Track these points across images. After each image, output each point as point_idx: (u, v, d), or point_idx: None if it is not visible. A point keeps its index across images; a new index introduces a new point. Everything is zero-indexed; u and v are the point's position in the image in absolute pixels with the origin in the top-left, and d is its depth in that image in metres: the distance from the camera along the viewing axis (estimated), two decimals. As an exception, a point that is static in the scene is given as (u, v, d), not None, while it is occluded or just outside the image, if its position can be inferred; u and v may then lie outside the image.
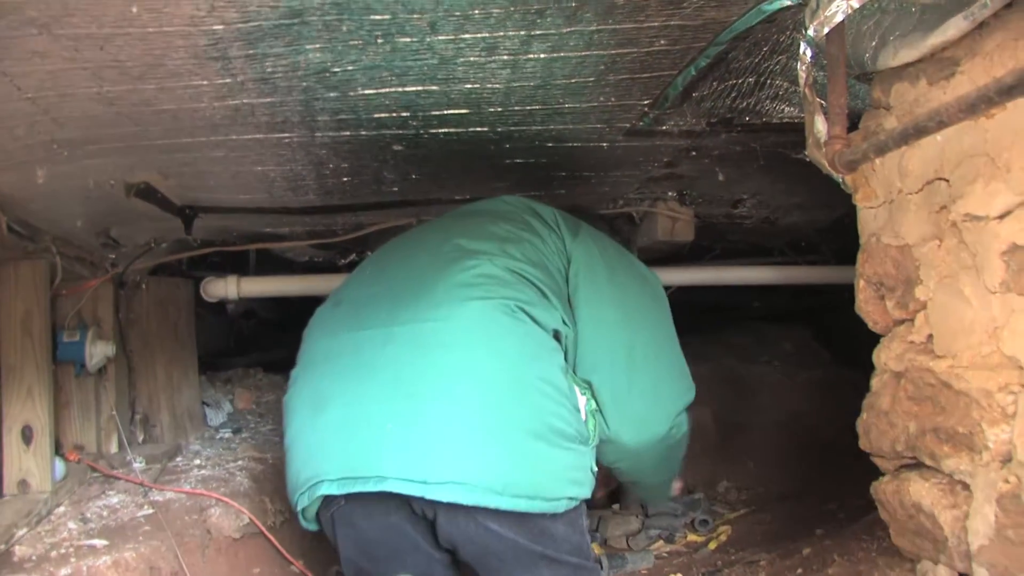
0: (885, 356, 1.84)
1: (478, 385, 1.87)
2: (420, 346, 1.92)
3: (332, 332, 2.09)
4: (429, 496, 1.78)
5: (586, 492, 1.97)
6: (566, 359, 2.07)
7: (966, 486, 1.54)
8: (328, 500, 1.94)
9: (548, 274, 2.12)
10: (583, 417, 2.01)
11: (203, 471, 2.89)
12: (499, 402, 1.86)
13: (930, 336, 1.67)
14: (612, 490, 3.17)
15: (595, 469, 2.00)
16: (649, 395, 2.22)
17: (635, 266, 2.42)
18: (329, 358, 2.04)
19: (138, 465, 2.79)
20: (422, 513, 1.88)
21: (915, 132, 1.36)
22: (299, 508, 2.00)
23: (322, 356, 2.07)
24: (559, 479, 1.89)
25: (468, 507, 1.79)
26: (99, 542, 2.22)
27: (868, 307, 1.91)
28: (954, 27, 1.49)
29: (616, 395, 2.14)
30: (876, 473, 1.89)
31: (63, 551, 2.15)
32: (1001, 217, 1.44)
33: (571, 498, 1.91)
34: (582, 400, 2.03)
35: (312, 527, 2.06)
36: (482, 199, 2.38)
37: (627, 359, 2.18)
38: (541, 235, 2.21)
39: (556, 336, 2.04)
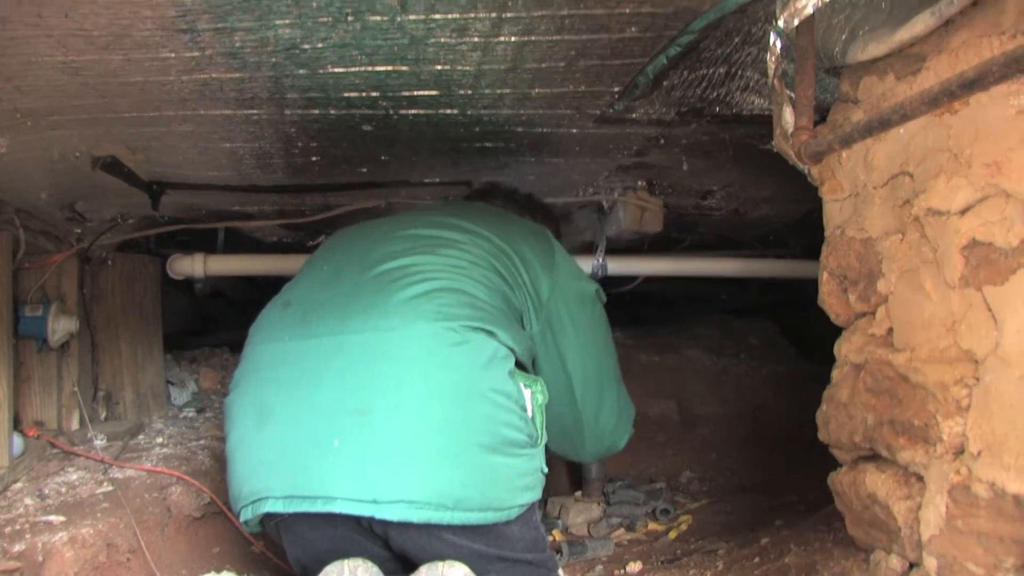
0: (846, 348, 1.85)
1: (428, 399, 1.83)
2: (369, 358, 1.87)
3: (278, 337, 2.02)
4: (379, 516, 1.76)
5: (537, 494, 1.96)
6: (523, 366, 2.06)
7: (920, 478, 1.55)
8: (272, 513, 1.90)
9: (503, 296, 2.11)
10: (531, 414, 1.98)
11: (165, 449, 2.87)
12: (450, 416, 1.82)
13: (890, 329, 1.68)
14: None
15: (545, 470, 1.98)
16: (613, 423, 2.52)
17: (588, 284, 2.44)
18: (274, 365, 1.98)
19: (99, 442, 2.77)
20: (369, 527, 1.86)
21: (879, 124, 1.37)
22: (241, 519, 1.97)
23: (267, 362, 2.01)
24: (512, 488, 1.88)
25: (420, 524, 1.78)
26: (56, 518, 2.20)
27: (831, 300, 1.93)
28: (921, 23, 1.51)
29: (590, 432, 2.47)
30: (836, 466, 1.91)
31: (18, 527, 2.13)
32: (962, 212, 1.45)
33: (522, 504, 1.91)
34: (527, 393, 1.98)
35: (255, 530, 2.03)
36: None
37: (597, 400, 2.43)
38: (509, 255, 2.19)
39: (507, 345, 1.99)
